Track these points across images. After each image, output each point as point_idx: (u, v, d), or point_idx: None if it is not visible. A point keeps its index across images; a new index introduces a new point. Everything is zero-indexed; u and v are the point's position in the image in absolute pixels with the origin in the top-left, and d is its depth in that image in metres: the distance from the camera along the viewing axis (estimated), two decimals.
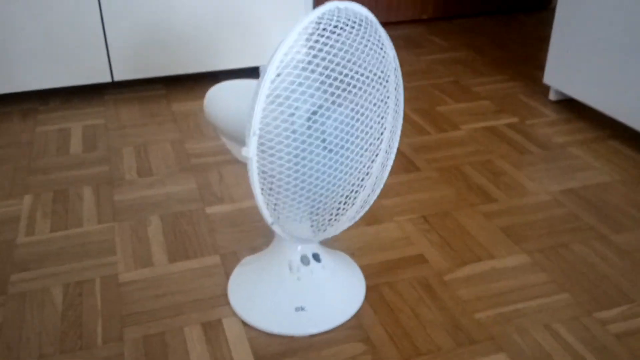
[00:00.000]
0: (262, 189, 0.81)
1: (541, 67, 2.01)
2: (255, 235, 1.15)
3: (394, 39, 2.28)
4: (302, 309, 0.93)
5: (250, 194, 1.28)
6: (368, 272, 1.04)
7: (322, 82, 0.78)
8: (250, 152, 0.76)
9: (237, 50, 1.80)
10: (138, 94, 1.78)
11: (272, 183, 0.83)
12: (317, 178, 0.82)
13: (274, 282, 0.95)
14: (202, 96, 1.78)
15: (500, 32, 2.35)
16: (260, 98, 0.74)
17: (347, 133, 0.81)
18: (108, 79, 1.73)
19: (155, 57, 1.74)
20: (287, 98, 0.77)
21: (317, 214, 0.88)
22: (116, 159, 1.42)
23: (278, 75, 0.75)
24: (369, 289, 1.00)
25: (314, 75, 0.77)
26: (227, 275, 1.04)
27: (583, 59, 1.56)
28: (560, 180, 1.34)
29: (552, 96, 1.75)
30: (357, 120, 0.82)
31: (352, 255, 1.09)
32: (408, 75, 1.94)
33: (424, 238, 1.14)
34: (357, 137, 0.83)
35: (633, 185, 1.32)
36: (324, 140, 0.80)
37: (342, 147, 0.82)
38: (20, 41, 1.60)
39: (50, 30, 1.61)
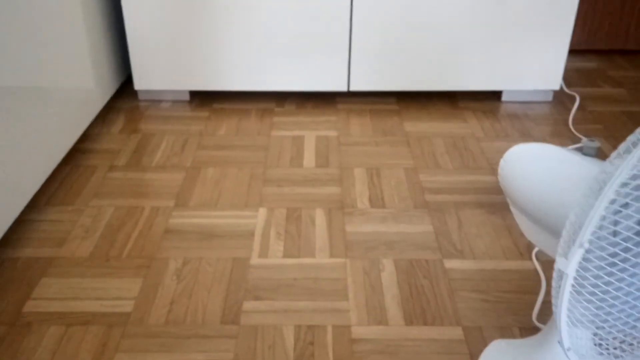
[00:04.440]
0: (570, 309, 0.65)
1: None
2: (504, 310, 0.99)
3: None
4: None
5: (496, 253, 1.12)
6: None
7: None
8: (569, 268, 0.60)
9: (476, 72, 1.63)
10: (370, 107, 1.70)
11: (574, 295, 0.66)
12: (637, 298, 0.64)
13: None
14: (435, 117, 1.64)
15: None
16: (601, 203, 0.57)
17: None
18: (344, 88, 1.67)
19: (391, 70, 1.64)
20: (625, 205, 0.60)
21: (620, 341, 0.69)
22: (348, 180, 1.35)
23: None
24: None
25: None
26: (471, 356, 0.90)
27: None
28: None
29: None
30: None
31: None
32: None
33: None
34: None
35: None
36: None
37: None
38: (267, 43, 1.59)
39: (299, 36, 1.58)
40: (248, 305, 1.00)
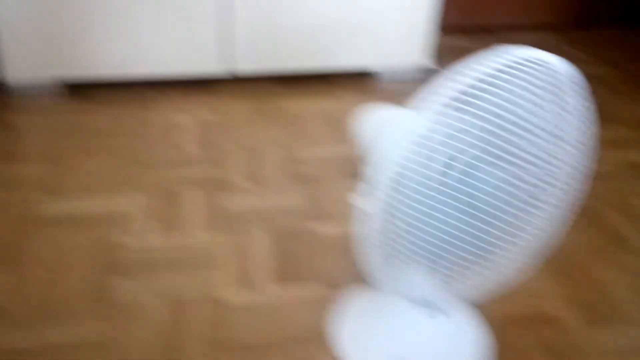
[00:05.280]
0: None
1: None
2: None
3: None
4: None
5: None
6: (494, 329, 0.93)
7: (480, 130, 0.67)
8: (357, 201, 0.67)
9: (348, 52, 1.71)
10: (250, 90, 1.74)
11: (394, 226, 0.73)
12: (450, 236, 0.72)
13: (384, 324, 0.86)
14: (313, 96, 1.70)
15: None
16: (381, 146, 0.64)
17: (500, 198, 0.69)
18: (225, 73, 1.70)
19: (269, 53, 1.68)
20: (431, 140, 0.67)
21: (441, 274, 0.77)
22: (226, 160, 1.38)
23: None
24: (494, 350, 0.89)
25: (471, 120, 0.66)
26: (336, 309, 0.96)
27: None
28: None
29: None
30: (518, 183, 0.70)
31: (476, 306, 0.97)
32: None
33: (561, 294, 1.00)
34: (513, 202, 0.71)
35: None
36: (470, 202, 0.69)
37: (490, 212, 0.70)
38: (143, 29, 1.59)
39: (177, 21, 1.59)
40: (121, 284, 1.01)
